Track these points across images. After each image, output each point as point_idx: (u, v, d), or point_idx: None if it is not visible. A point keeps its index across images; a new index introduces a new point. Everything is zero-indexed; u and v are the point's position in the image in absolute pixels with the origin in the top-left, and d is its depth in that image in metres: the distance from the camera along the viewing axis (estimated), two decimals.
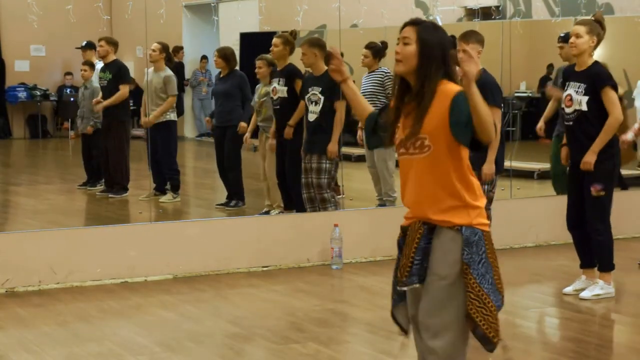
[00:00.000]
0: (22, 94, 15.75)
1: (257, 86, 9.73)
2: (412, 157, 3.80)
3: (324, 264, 8.14)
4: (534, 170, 11.49)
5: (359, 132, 9.88)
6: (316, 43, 8.60)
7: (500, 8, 13.05)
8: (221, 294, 7.31)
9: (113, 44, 10.72)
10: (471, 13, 12.97)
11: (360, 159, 10.35)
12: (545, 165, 10.51)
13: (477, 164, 6.38)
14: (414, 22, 3.84)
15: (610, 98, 6.66)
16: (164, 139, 10.19)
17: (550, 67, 12.65)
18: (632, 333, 6.38)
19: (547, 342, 6.21)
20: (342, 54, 11.09)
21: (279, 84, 8.91)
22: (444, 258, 3.76)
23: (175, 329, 6.27)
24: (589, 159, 6.69)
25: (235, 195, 9.93)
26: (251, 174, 10.44)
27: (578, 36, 6.70)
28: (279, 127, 8.98)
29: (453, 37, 7.09)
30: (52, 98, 15.81)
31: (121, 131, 10.74)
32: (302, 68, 9.12)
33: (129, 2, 10.39)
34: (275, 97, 8.97)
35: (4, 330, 6.29)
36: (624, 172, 9.42)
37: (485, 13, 12.46)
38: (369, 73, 9.75)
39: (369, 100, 9.85)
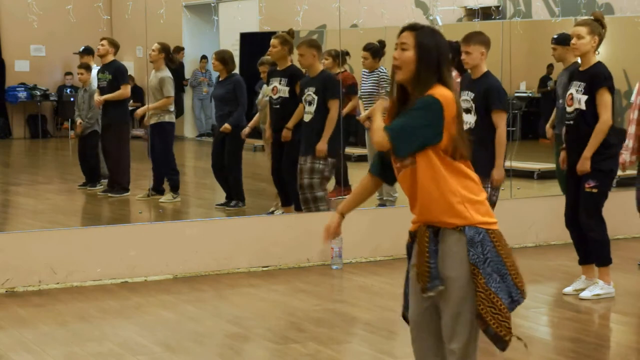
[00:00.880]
0: (22, 94, 15.74)
1: (263, 87, 9.72)
2: (405, 167, 3.80)
3: (324, 264, 8.15)
4: (534, 170, 11.49)
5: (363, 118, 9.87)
6: (314, 44, 8.59)
7: (500, 8, 13.04)
8: (221, 294, 7.32)
9: (114, 45, 10.73)
10: (471, 13, 12.96)
11: (360, 159, 10.35)
12: (545, 165, 10.52)
13: (483, 169, 6.38)
14: (412, 28, 3.83)
15: (604, 100, 6.65)
16: (159, 140, 10.16)
17: (550, 67, 12.65)
18: (632, 333, 6.38)
19: (547, 342, 6.21)
20: (347, 53, 11.05)
21: (280, 83, 8.87)
22: (452, 261, 3.77)
23: (175, 329, 6.27)
24: (583, 166, 6.69)
25: (236, 196, 9.93)
26: (251, 174, 10.44)
27: (579, 37, 6.69)
28: (275, 127, 8.91)
29: (457, 42, 7.08)
30: (52, 98, 15.79)
31: (121, 131, 10.74)
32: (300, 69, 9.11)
33: (129, 2, 10.40)
34: (275, 96, 8.92)
35: (4, 330, 6.29)
36: (625, 172, 9.41)
37: (485, 13, 12.46)
38: (369, 73, 9.76)
39: (366, 101, 9.91)
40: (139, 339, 6.02)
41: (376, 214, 8.78)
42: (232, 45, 13.97)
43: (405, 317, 4.01)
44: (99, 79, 10.87)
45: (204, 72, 15.91)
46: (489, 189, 6.70)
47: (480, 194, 3.84)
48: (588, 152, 6.68)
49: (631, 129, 7.69)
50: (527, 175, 11.27)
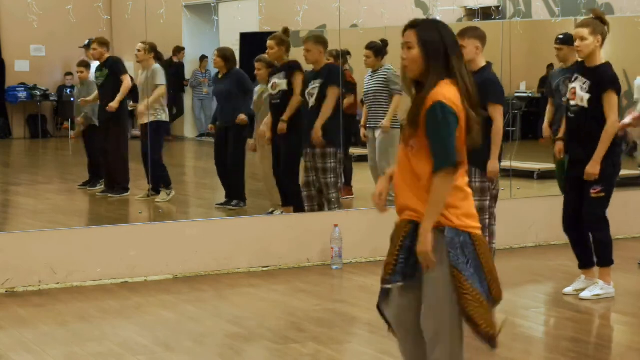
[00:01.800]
0: (22, 94, 15.73)
1: (256, 88, 9.71)
2: (404, 151, 3.84)
3: (324, 264, 8.14)
4: (534, 170, 11.49)
5: (362, 130, 9.87)
6: (321, 40, 8.60)
7: (500, 8, 13.04)
8: (221, 294, 7.32)
9: (104, 44, 10.73)
10: (471, 13, 12.96)
11: (360, 158, 10.35)
12: (545, 165, 10.51)
13: (477, 162, 6.40)
14: (413, 25, 3.85)
15: (611, 102, 6.64)
16: (152, 137, 10.08)
17: (550, 67, 12.63)
18: (631, 333, 6.38)
19: (547, 342, 6.21)
20: (349, 53, 10.99)
21: (278, 78, 8.86)
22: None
23: (175, 329, 6.27)
24: (593, 170, 6.67)
25: (237, 196, 9.92)
26: (251, 174, 10.44)
27: (582, 39, 6.67)
28: (276, 123, 8.90)
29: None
30: (52, 98, 15.79)
31: (120, 131, 10.74)
32: (304, 65, 9.09)
33: (129, 2, 10.39)
34: (275, 92, 8.88)
35: (4, 330, 6.29)
36: (624, 172, 9.41)
37: (485, 13, 12.45)
38: (372, 72, 9.72)
39: (372, 100, 9.89)
40: (139, 339, 6.02)
41: (376, 214, 8.69)
42: (232, 45, 13.91)
43: (380, 309, 4.02)
44: (97, 78, 10.86)
45: (204, 73, 15.90)
46: (487, 183, 6.70)
47: (466, 200, 3.85)
48: (598, 156, 6.64)
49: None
50: (527, 175, 11.27)
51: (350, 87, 10.36)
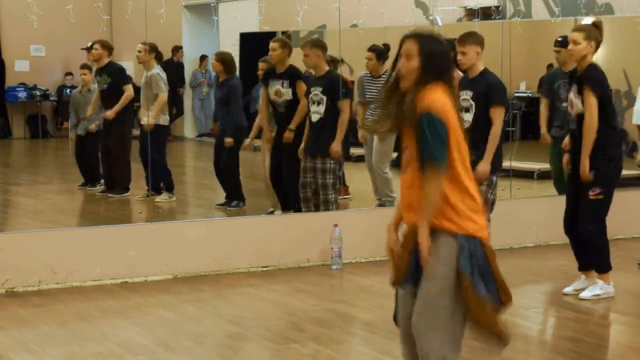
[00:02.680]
0: (22, 94, 15.75)
1: (260, 89, 9.65)
2: (407, 156, 3.84)
3: (324, 264, 8.15)
4: (533, 170, 11.49)
5: (360, 132, 9.84)
6: (319, 44, 8.57)
7: (500, 8, 13.03)
8: (221, 294, 7.32)
9: (107, 47, 10.67)
10: (471, 13, 12.95)
11: (360, 159, 10.34)
12: (545, 166, 10.51)
13: (472, 163, 6.39)
14: (416, 35, 3.84)
15: (588, 100, 6.63)
16: (154, 142, 10.06)
17: (550, 67, 12.63)
18: (631, 333, 6.38)
19: (547, 342, 6.22)
20: (342, 60, 10.86)
21: (282, 86, 8.82)
22: (437, 257, 3.78)
23: (175, 329, 6.27)
24: (583, 169, 6.67)
25: (236, 196, 9.91)
26: (251, 174, 10.44)
27: (576, 43, 6.70)
28: (281, 132, 8.82)
29: (452, 40, 7.08)
30: (52, 98, 15.80)
31: (122, 131, 10.72)
32: (303, 69, 9.09)
33: (129, 2, 10.39)
34: (280, 100, 8.83)
35: (4, 330, 6.29)
36: (624, 172, 9.41)
37: (485, 13, 12.45)
38: (374, 78, 9.56)
39: (373, 107, 9.78)
40: (139, 339, 6.03)
41: (375, 214, 8.77)
42: (232, 46, 13.95)
43: (395, 320, 4.04)
44: (97, 82, 10.84)
45: (203, 73, 15.91)
46: (483, 187, 6.66)
47: (477, 209, 3.86)
48: (584, 154, 6.66)
49: None
50: (527, 175, 11.27)
51: (347, 90, 10.28)
